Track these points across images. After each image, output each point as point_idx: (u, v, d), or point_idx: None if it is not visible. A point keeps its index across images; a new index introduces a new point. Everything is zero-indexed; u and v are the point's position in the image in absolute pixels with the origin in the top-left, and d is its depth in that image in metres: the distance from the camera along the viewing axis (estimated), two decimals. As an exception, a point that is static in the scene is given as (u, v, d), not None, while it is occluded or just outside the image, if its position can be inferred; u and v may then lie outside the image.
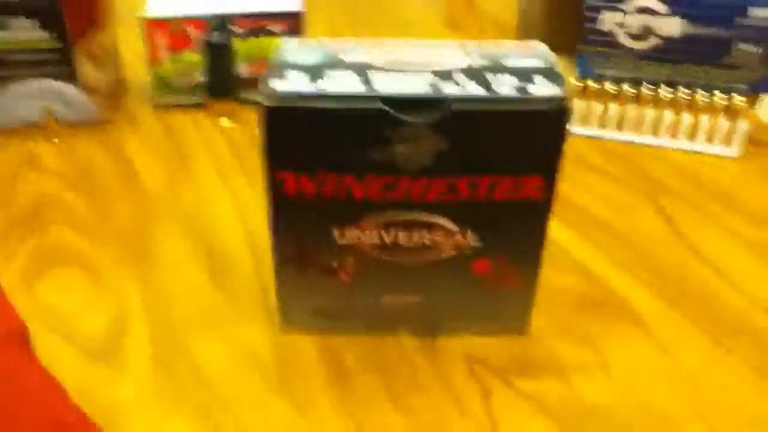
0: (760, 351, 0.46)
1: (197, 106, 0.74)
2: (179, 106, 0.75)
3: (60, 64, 0.68)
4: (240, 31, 0.72)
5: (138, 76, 0.77)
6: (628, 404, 0.42)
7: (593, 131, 0.70)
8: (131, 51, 0.79)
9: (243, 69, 0.74)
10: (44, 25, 0.66)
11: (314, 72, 0.40)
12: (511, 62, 0.41)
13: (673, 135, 0.68)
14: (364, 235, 0.43)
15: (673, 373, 0.44)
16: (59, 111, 0.70)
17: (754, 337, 0.47)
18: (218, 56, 0.71)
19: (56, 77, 0.69)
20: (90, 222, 0.58)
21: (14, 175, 0.64)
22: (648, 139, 0.69)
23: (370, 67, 0.40)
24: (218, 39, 0.69)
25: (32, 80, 0.69)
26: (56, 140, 0.68)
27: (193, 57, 0.73)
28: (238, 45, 0.72)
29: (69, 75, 0.69)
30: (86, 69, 0.69)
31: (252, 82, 0.75)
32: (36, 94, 0.69)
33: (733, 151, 0.66)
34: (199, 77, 0.74)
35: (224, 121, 0.72)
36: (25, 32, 0.67)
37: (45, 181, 0.63)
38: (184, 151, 0.68)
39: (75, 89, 0.70)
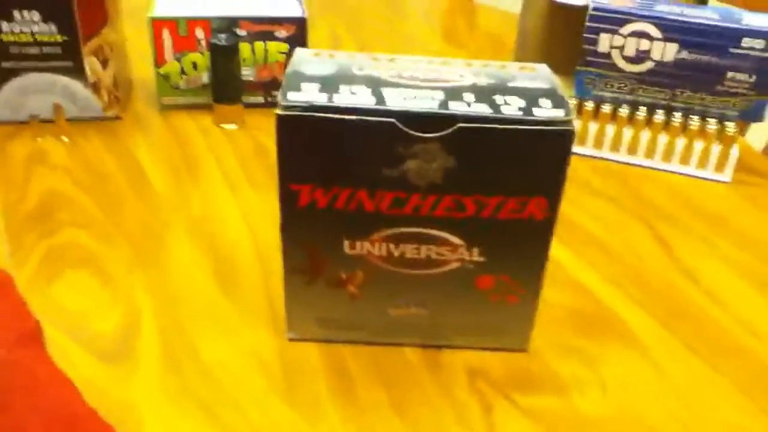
0: (746, 371, 0.48)
1: (203, 107, 0.75)
2: (185, 107, 0.76)
3: (68, 59, 0.69)
4: (245, 34, 0.73)
5: (144, 76, 0.78)
6: (622, 420, 0.44)
7: (589, 151, 0.72)
8: (138, 51, 0.79)
9: (248, 73, 0.75)
10: (55, 20, 0.67)
11: (328, 85, 0.41)
12: (517, 83, 0.43)
13: (667, 158, 0.70)
14: (373, 248, 0.44)
15: (665, 390, 0.46)
16: (65, 107, 0.70)
17: (741, 358, 0.49)
18: (224, 59, 0.71)
19: (63, 73, 0.70)
20: (100, 223, 0.59)
21: (27, 171, 0.64)
22: (642, 161, 0.71)
23: (383, 82, 0.42)
24: (224, 41, 0.70)
25: (40, 74, 0.69)
26: (66, 139, 0.69)
27: (199, 58, 0.74)
28: (244, 49, 0.73)
29: (76, 71, 0.70)
30: (93, 66, 0.70)
31: (257, 86, 0.76)
32: (43, 88, 0.70)
33: (725, 176, 0.69)
34: (205, 79, 0.75)
35: (229, 125, 0.73)
36: (36, 26, 0.67)
37: (55, 179, 0.64)
38: (190, 155, 0.69)
39: (81, 86, 0.70)
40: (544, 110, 0.40)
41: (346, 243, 0.44)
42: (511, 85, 0.42)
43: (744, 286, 0.56)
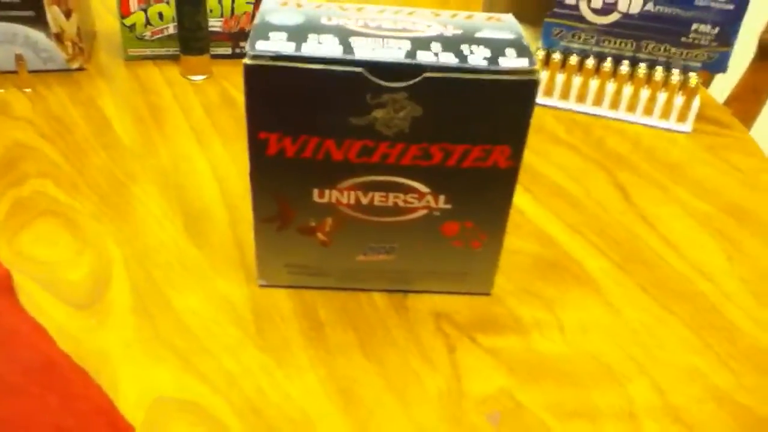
0: (698, 312, 0.50)
1: (169, 58, 0.74)
2: (151, 57, 0.75)
3: (29, 9, 0.67)
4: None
5: (108, 27, 0.77)
6: (579, 359, 0.46)
7: (555, 102, 0.73)
8: (102, 1, 0.78)
9: (215, 23, 0.74)
10: (15, -31, 0.66)
11: (297, 34, 0.41)
12: (483, 34, 0.43)
13: (631, 109, 0.71)
14: (342, 196, 0.45)
15: (620, 331, 0.48)
16: (27, 58, 0.69)
17: (693, 300, 0.51)
18: (191, 9, 0.70)
19: (25, 23, 0.68)
20: (67, 174, 0.58)
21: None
22: (607, 111, 0.72)
23: (351, 32, 0.42)
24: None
25: (1, 24, 0.68)
26: (28, 90, 0.68)
27: (165, 9, 0.73)
28: (211, -1, 0.73)
29: (38, 21, 0.68)
30: (56, 16, 0.69)
31: (224, 37, 0.75)
32: (4, 39, 0.68)
33: (686, 126, 0.70)
34: (171, 30, 0.74)
35: (197, 77, 0.73)
36: (-5, -25, 0.66)
37: (19, 130, 0.63)
38: (157, 106, 0.68)
39: (44, 36, 0.69)
40: (509, 60, 0.41)
41: (315, 191, 0.45)
42: (477, 35, 0.43)
43: (698, 232, 0.58)
